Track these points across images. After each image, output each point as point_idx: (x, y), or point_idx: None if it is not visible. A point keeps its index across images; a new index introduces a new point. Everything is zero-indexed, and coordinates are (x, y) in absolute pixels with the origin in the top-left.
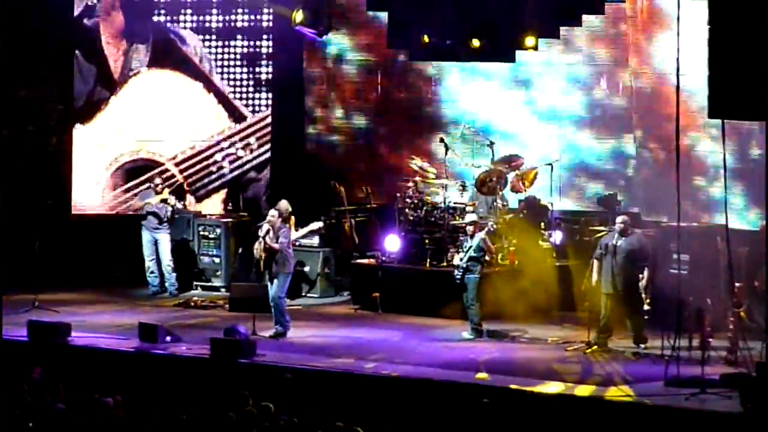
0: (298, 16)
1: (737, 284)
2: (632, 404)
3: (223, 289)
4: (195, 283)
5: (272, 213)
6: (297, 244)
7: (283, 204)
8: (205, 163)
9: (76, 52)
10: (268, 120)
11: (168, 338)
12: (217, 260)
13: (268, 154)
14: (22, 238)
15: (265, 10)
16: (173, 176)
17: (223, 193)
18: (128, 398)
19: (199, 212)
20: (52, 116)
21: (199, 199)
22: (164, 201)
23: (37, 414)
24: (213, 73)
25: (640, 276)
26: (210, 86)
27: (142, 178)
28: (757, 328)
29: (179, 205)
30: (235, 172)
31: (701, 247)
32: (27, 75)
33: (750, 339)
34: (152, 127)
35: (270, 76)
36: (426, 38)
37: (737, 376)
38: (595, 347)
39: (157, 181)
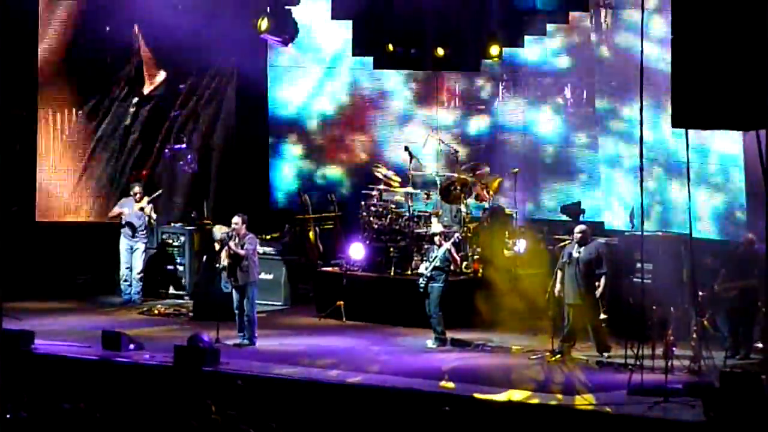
0: (263, 24)
1: (700, 293)
2: (595, 413)
3: (187, 297)
4: (160, 290)
5: (235, 220)
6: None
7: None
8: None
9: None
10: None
11: (131, 346)
12: (180, 268)
13: None
14: None
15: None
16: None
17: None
18: (91, 406)
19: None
20: (16, 122)
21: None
22: (141, 209)
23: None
24: None
25: (596, 284)
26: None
27: None
28: (720, 336)
29: (155, 216)
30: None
31: (665, 256)
32: None
33: (713, 348)
34: None
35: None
36: (390, 47)
37: (700, 384)
38: (559, 356)
39: (136, 189)
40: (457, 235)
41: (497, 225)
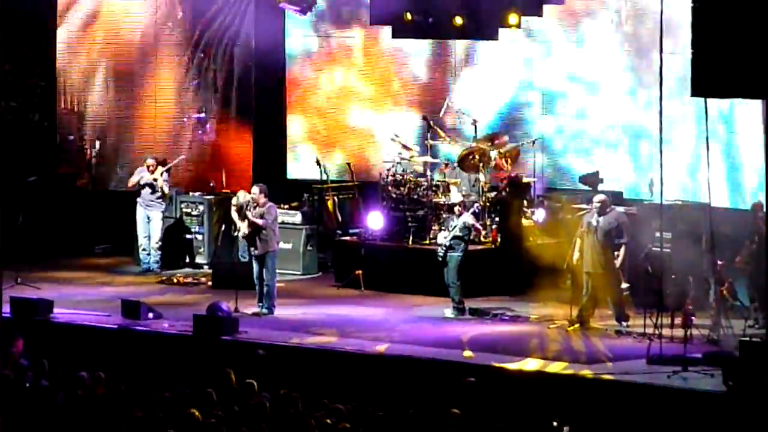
0: None
1: (719, 262)
2: (614, 382)
3: (206, 266)
4: (179, 259)
5: (254, 190)
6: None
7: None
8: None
9: None
10: None
11: (151, 315)
12: (200, 237)
13: None
14: (5, 215)
15: None
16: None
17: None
18: (110, 375)
19: (182, 189)
20: (34, 92)
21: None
22: (155, 180)
23: (20, 390)
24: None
25: (616, 254)
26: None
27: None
28: (739, 306)
29: (167, 188)
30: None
31: (683, 224)
32: (9, 52)
33: (732, 317)
34: None
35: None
36: (408, 15)
37: (719, 354)
38: (578, 325)
39: (149, 161)
40: (477, 204)
41: (516, 194)
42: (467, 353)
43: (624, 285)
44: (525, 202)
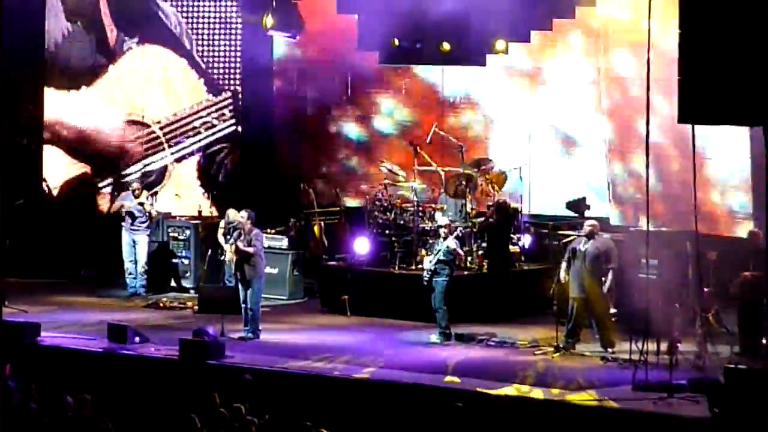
0: (268, 21)
1: (706, 289)
2: (600, 408)
3: (192, 291)
4: (173, 284)
5: (241, 215)
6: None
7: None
8: (185, 128)
9: (77, 22)
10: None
11: (137, 339)
12: (186, 261)
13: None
14: None
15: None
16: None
17: (197, 157)
18: (97, 398)
19: (168, 213)
20: (22, 115)
21: (178, 160)
22: (141, 204)
23: (8, 413)
24: (194, 51)
25: (603, 279)
26: (192, 63)
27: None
28: (724, 333)
29: (154, 211)
30: (210, 138)
31: (670, 251)
32: None
33: (718, 344)
34: (143, 94)
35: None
36: (396, 42)
37: (705, 380)
38: (563, 351)
39: (135, 185)
40: (459, 229)
41: (504, 220)
42: (450, 378)
43: (612, 310)
44: (512, 228)
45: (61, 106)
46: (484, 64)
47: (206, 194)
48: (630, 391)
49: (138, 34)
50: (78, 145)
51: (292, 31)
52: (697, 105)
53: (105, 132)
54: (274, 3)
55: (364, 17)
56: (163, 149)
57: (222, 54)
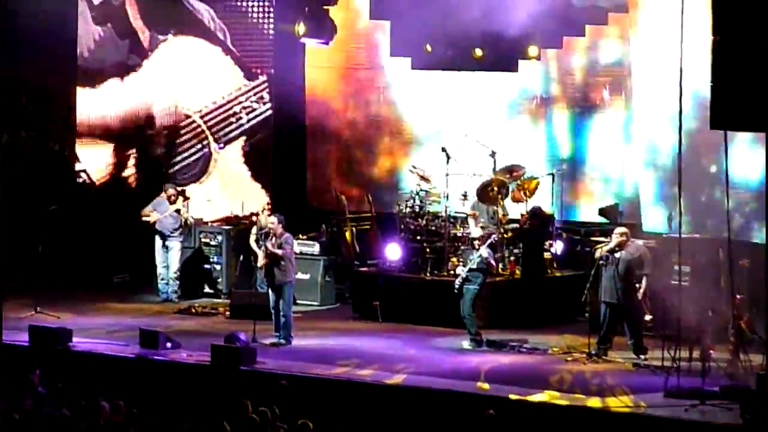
0: (301, 29)
1: (738, 296)
2: (632, 415)
3: (224, 296)
4: (205, 290)
5: (272, 220)
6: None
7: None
8: (225, 114)
9: (108, 25)
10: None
11: (169, 345)
12: (218, 267)
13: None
14: (26, 244)
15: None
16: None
17: (242, 141)
18: (129, 404)
19: (200, 219)
20: (55, 122)
21: (222, 147)
22: (177, 211)
23: (40, 419)
24: (227, 39)
25: (638, 286)
26: (226, 50)
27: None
28: (757, 340)
29: (190, 219)
30: (252, 122)
31: (703, 258)
32: (27, 83)
33: (750, 351)
34: (180, 86)
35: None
36: (428, 48)
37: (737, 388)
38: (596, 357)
39: (171, 191)
40: (494, 236)
41: (539, 226)
42: (481, 384)
43: (647, 317)
44: (545, 234)
45: (94, 104)
46: (516, 70)
47: (254, 179)
48: (662, 397)
49: (172, 32)
50: (116, 142)
51: (325, 37)
52: (730, 111)
53: (143, 125)
54: (306, 10)
55: (396, 23)
56: (206, 138)
57: (255, 38)
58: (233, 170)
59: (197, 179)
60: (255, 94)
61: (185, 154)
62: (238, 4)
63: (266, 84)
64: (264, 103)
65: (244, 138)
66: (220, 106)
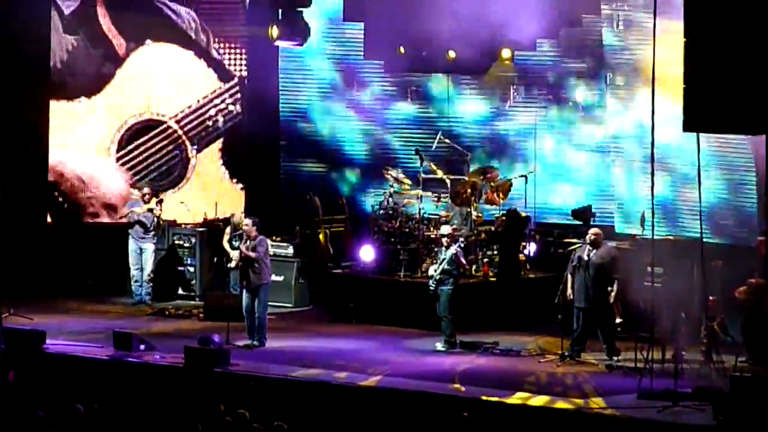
0: (274, 31)
1: (711, 297)
2: (604, 416)
3: (197, 298)
4: (179, 292)
5: (246, 222)
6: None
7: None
8: (202, 118)
9: (80, 34)
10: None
11: (142, 346)
12: (191, 269)
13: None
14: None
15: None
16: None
17: (219, 143)
18: (102, 406)
19: (173, 221)
20: (30, 125)
21: (199, 150)
22: (150, 210)
23: (15, 421)
24: (207, 43)
25: (609, 288)
26: (199, 53)
27: (149, 135)
28: (730, 341)
29: (162, 218)
30: (228, 123)
31: (675, 260)
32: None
33: (723, 352)
34: (154, 91)
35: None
36: (402, 49)
37: (710, 389)
38: (568, 359)
39: (146, 190)
40: (462, 239)
41: (514, 228)
42: (456, 386)
43: (618, 320)
44: (520, 236)
45: (67, 116)
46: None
47: (233, 180)
48: (635, 399)
49: (148, 39)
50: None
51: (299, 39)
52: (703, 113)
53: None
54: (279, 13)
55: (370, 24)
56: (183, 143)
57: (230, 37)
58: (211, 173)
59: (175, 185)
60: (230, 96)
61: (162, 161)
62: (214, 6)
63: (238, 86)
64: (240, 104)
65: (221, 140)
66: (196, 110)
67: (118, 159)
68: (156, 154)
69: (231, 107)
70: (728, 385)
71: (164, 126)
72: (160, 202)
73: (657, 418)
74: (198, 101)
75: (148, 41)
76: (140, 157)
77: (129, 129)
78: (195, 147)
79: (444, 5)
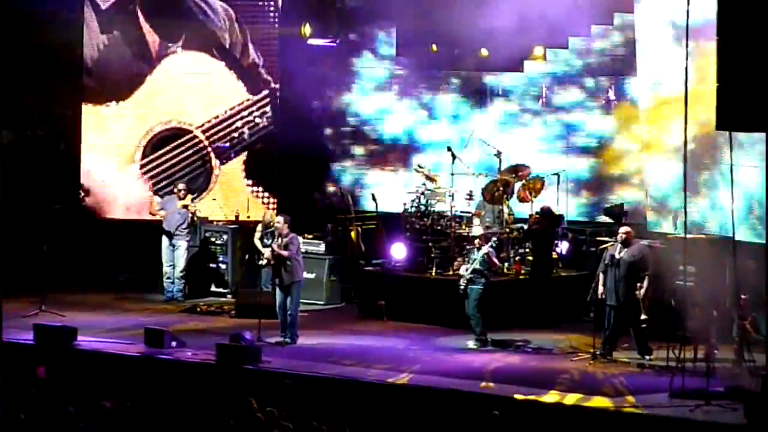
0: (306, 30)
1: (743, 296)
2: (636, 415)
3: (229, 295)
4: (211, 289)
5: (278, 220)
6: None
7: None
8: (227, 129)
9: (115, 32)
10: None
11: (174, 343)
12: (224, 266)
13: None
14: (31, 242)
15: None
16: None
17: (244, 156)
18: (134, 403)
19: (206, 218)
20: (61, 121)
21: (223, 162)
22: (185, 207)
23: (45, 416)
24: (241, 47)
25: (638, 285)
26: (231, 64)
27: (174, 144)
28: (762, 340)
29: (198, 212)
30: (254, 137)
31: (707, 258)
32: (36, 80)
33: (755, 351)
34: (183, 100)
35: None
36: (434, 47)
37: (741, 388)
38: (600, 357)
39: (180, 186)
40: (494, 239)
41: (548, 226)
42: (486, 384)
43: (643, 316)
44: (553, 234)
45: (99, 120)
46: (522, 70)
47: (255, 191)
48: (667, 398)
49: (181, 37)
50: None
51: (331, 36)
52: (735, 112)
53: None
54: (310, 12)
55: (402, 23)
56: (208, 153)
57: (263, 40)
58: (234, 185)
59: (199, 195)
60: (258, 109)
61: (186, 170)
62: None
63: (269, 99)
64: (267, 118)
65: (245, 153)
66: (222, 121)
67: (141, 166)
68: (180, 163)
69: (258, 120)
70: (760, 385)
71: (190, 135)
72: (195, 198)
73: (689, 416)
74: (225, 112)
75: (179, 49)
76: (164, 165)
77: (154, 136)
78: (220, 159)
79: (476, 3)
